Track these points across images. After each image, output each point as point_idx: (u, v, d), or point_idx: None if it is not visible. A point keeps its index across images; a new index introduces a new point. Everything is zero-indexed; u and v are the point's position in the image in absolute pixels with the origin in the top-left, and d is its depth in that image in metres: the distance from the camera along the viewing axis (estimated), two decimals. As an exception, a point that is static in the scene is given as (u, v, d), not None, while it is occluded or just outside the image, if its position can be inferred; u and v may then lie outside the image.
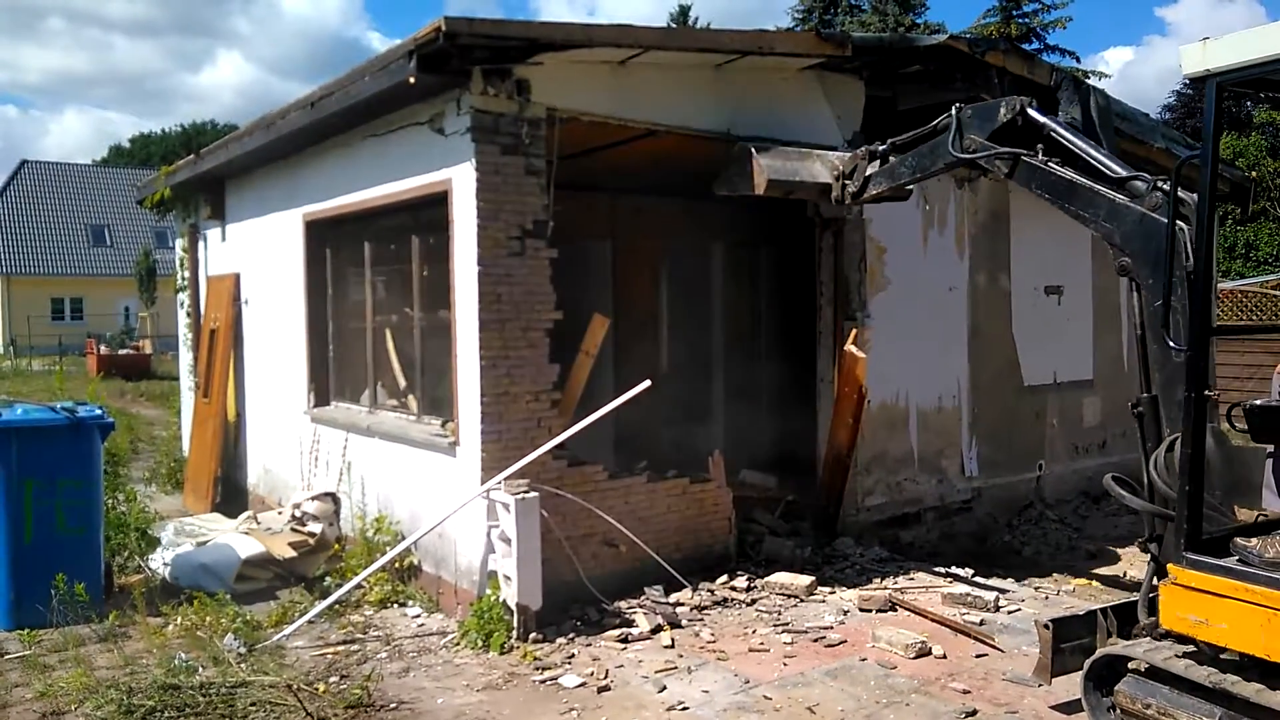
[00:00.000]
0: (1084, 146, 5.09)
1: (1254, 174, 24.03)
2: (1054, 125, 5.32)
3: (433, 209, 6.97)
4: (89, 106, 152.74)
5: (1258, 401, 4.12)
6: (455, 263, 6.57)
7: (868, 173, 6.59)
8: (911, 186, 7.15)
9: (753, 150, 7.09)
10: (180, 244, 12.20)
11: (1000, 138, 5.54)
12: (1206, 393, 3.90)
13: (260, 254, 9.86)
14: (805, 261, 8.99)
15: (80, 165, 54.51)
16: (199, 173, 10.23)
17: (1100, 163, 4.93)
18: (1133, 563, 8.38)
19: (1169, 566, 4.07)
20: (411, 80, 5.96)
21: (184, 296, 12.06)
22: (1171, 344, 4.05)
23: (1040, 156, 5.19)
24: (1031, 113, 5.47)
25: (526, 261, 6.51)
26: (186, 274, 11.89)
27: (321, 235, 8.80)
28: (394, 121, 7.17)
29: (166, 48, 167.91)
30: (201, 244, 11.50)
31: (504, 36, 5.97)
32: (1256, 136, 30.50)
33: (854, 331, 7.95)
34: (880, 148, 6.61)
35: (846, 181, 6.74)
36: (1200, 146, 3.98)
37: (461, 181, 6.43)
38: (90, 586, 6.62)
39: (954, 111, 5.82)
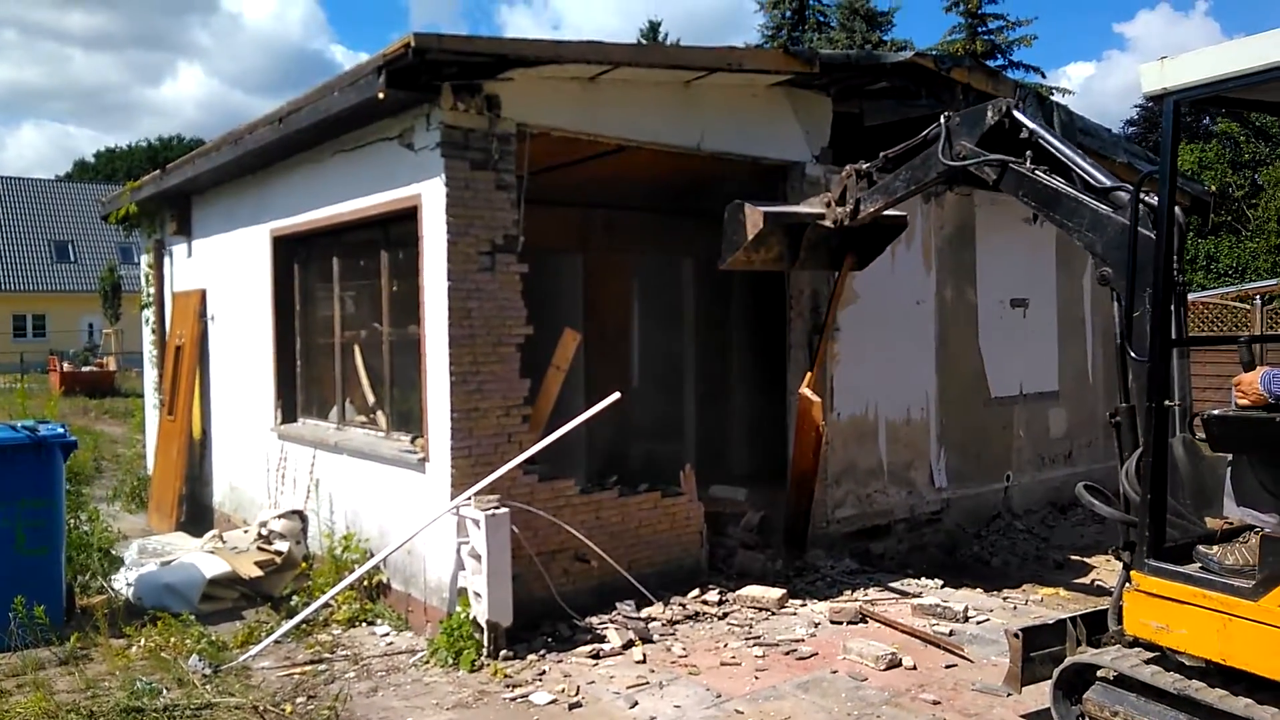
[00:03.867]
0: (1069, 153, 5.13)
1: (1213, 188, 24.53)
2: (1040, 130, 5.37)
3: (402, 224, 6.95)
4: (46, 120, 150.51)
5: (1216, 411, 4.19)
6: (425, 278, 6.55)
7: (858, 195, 6.63)
8: (901, 212, 7.27)
9: (742, 202, 7.08)
10: (145, 260, 12.06)
11: (988, 143, 5.60)
12: (1167, 403, 3.96)
13: (227, 270, 9.77)
14: (776, 275, 9.05)
15: (43, 180, 53.72)
16: (165, 188, 10.13)
17: (1085, 171, 4.97)
18: (1100, 571, 8.48)
19: (1132, 574, 4.13)
20: (381, 96, 5.95)
21: (149, 313, 11.91)
22: (1133, 354, 4.11)
23: (1028, 164, 5.25)
24: (1018, 115, 5.52)
25: (497, 276, 6.50)
26: (152, 290, 11.75)
27: (289, 251, 8.74)
28: (363, 137, 7.14)
29: (125, 61, 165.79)
30: (167, 260, 11.38)
31: (473, 53, 5.98)
32: (1217, 145, 31.12)
33: (808, 375, 7.95)
34: (864, 166, 6.66)
35: (838, 207, 6.78)
36: (1160, 162, 4.05)
37: (431, 197, 6.41)
38: (51, 608, 6.48)
39: (943, 120, 5.87)
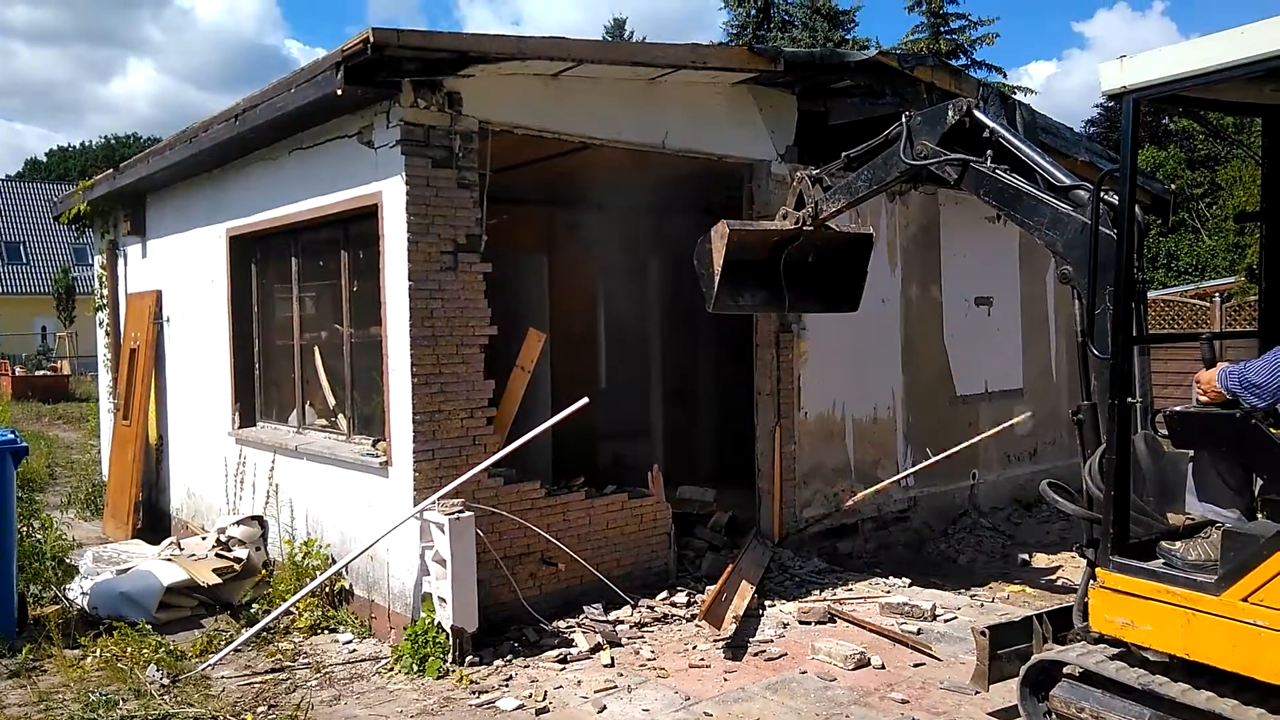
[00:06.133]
0: (1029, 152, 5.15)
1: (1174, 185, 24.93)
2: (1000, 129, 5.38)
3: (362, 223, 6.83)
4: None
5: (1178, 408, 4.21)
6: (386, 278, 6.43)
7: (815, 198, 6.59)
8: (867, 230, 7.22)
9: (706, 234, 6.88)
10: (99, 261, 11.79)
11: (950, 142, 5.60)
12: (1130, 400, 3.97)
13: (182, 270, 9.57)
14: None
15: (-7, 179, 52.53)
16: (118, 187, 9.90)
17: (1044, 170, 4.99)
18: (1065, 568, 8.55)
19: (1097, 570, 4.13)
20: (339, 92, 5.83)
21: (103, 315, 11.66)
22: (1095, 352, 4.12)
23: (989, 164, 5.26)
24: (978, 114, 5.54)
25: (459, 276, 6.40)
26: (105, 292, 11.49)
27: (246, 250, 8.57)
28: (322, 134, 7.01)
29: (73, 57, 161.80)
30: (121, 261, 11.13)
31: (434, 48, 5.88)
32: (1174, 149, 31.62)
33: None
34: (815, 171, 6.64)
35: (797, 213, 6.73)
36: (1120, 160, 4.07)
37: (392, 195, 6.30)
38: (2, 619, 6.33)
39: (904, 119, 5.87)
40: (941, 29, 38.64)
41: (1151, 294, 18.13)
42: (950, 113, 5.62)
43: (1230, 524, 4.00)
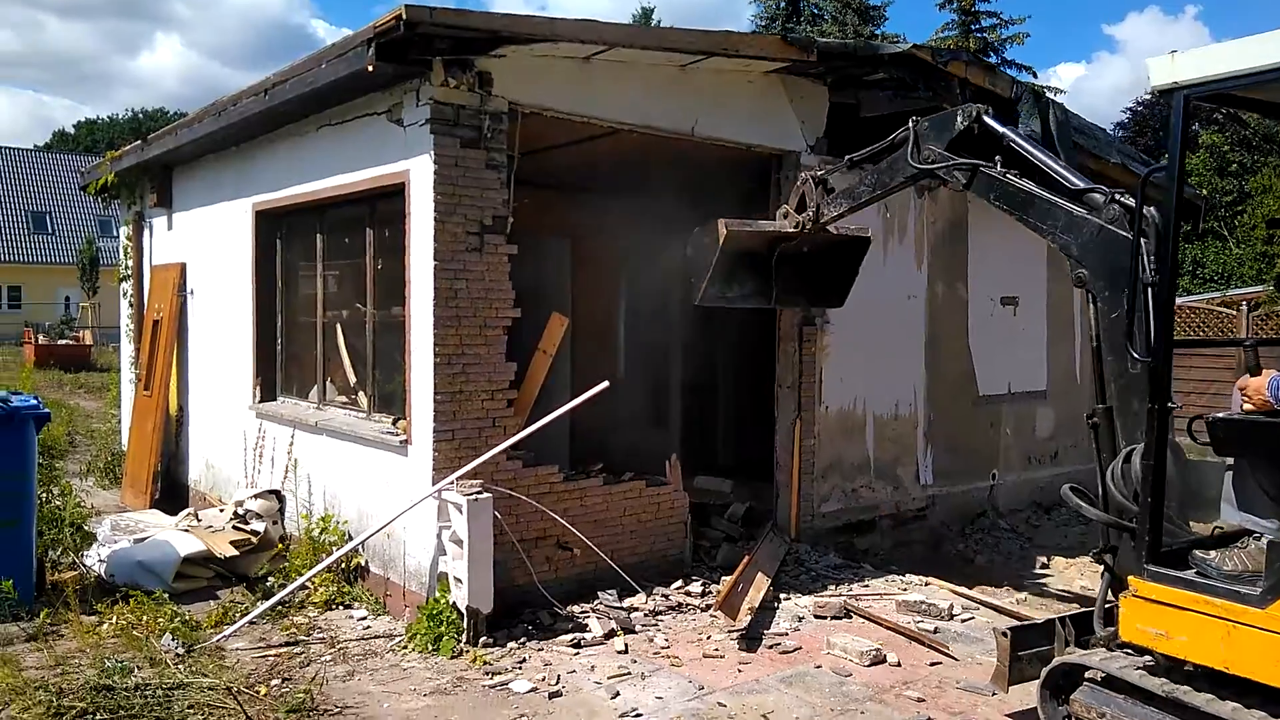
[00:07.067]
0: (1041, 157, 5.10)
1: (1204, 191, 24.63)
2: (1011, 134, 5.32)
3: (389, 201, 6.81)
4: (18, 88, 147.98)
5: (1220, 415, 4.13)
6: (411, 257, 6.41)
7: (818, 201, 6.52)
8: (864, 231, 7.12)
9: (701, 226, 6.94)
10: (125, 232, 11.83)
11: (958, 147, 5.53)
12: (1170, 405, 3.89)
13: (207, 244, 9.59)
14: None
15: (20, 149, 52.81)
16: (146, 158, 9.92)
17: (1058, 174, 4.94)
18: (1083, 572, 8.45)
19: (1130, 579, 4.05)
20: (370, 68, 5.79)
21: (127, 286, 11.70)
22: (1135, 354, 4.03)
23: (999, 168, 5.18)
24: (988, 121, 5.47)
25: (485, 258, 6.37)
26: (130, 263, 11.53)
27: (272, 226, 8.57)
28: (351, 111, 6.99)
29: (102, 30, 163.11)
30: (147, 232, 11.17)
31: (466, 27, 5.84)
32: (1205, 155, 31.25)
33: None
34: (820, 173, 6.57)
35: (798, 214, 6.67)
36: (1166, 160, 3.98)
37: (419, 174, 6.27)
38: (20, 583, 6.38)
39: (911, 124, 5.81)
40: (972, 27, 38.29)
41: (1178, 300, 17.88)
42: (960, 118, 5.55)
43: (1271, 534, 3.91)
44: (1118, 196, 4.57)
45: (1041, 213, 4.88)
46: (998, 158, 5.23)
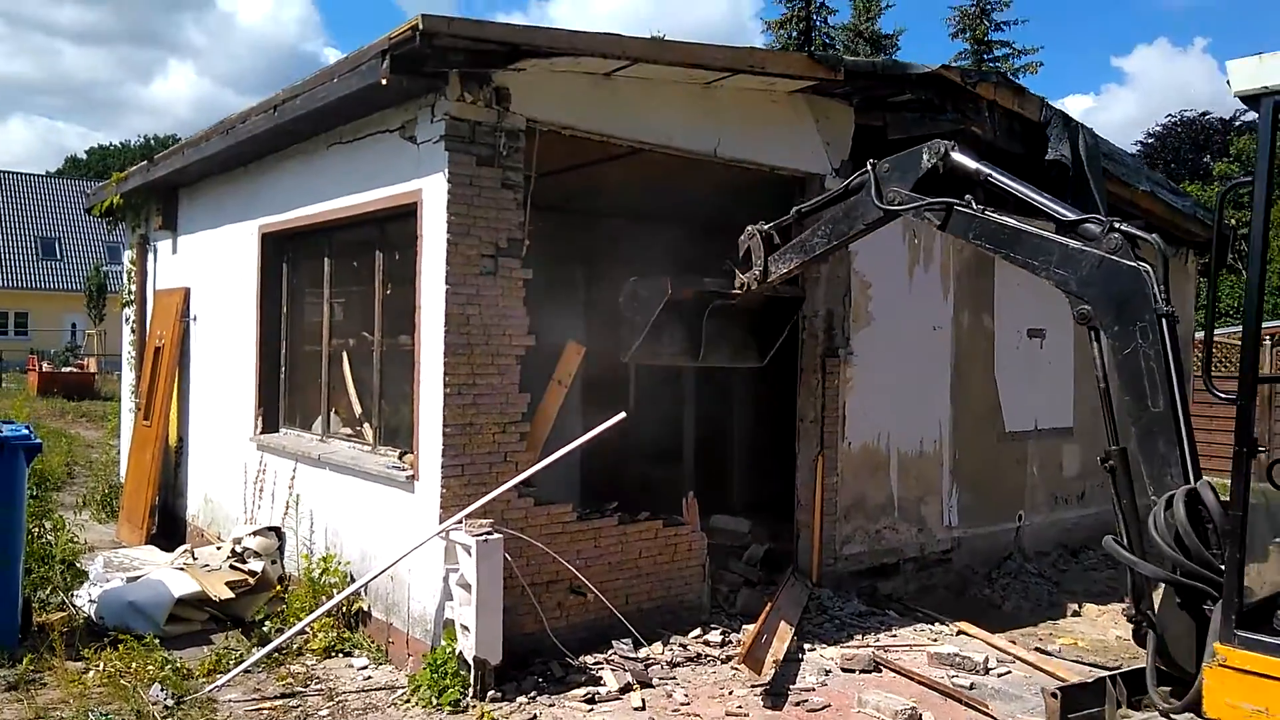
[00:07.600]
0: (1023, 190, 4.83)
1: (1234, 221, 24.32)
2: (987, 169, 5.03)
3: (400, 223, 6.51)
4: (34, 115, 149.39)
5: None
6: (422, 281, 6.10)
7: (763, 256, 6.23)
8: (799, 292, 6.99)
9: (637, 279, 6.98)
10: (129, 255, 11.57)
11: (927, 188, 5.22)
12: (1260, 449, 3.53)
13: (212, 267, 9.30)
14: (785, 296, 8.62)
15: (31, 175, 52.99)
16: (152, 179, 9.67)
17: (1045, 206, 4.68)
18: (1116, 621, 8.03)
19: (1216, 646, 3.61)
20: (384, 82, 5.51)
21: (130, 311, 11.42)
22: (1219, 394, 3.69)
23: (975, 205, 4.88)
24: (957, 157, 5.17)
25: (499, 282, 6.06)
26: (134, 287, 11.26)
27: (279, 249, 8.29)
28: (362, 128, 6.71)
29: (116, 57, 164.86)
30: (151, 256, 10.90)
31: (484, 39, 5.56)
32: (1219, 187, 31.04)
33: None
34: (765, 227, 6.28)
35: (744, 274, 6.40)
36: (1255, 171, 3.63)
37: (432, 193, 5.97)
38: (4, 625, 6.03)
39: (869, 166, 5.53)
40: (985, 56, 38.28)
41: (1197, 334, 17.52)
42: (926, 156, 5.27)
43: None
44: (1115, 225, 4.35)
45: (1031, 248, 4.63)
46: (969, 195, 4.98)
